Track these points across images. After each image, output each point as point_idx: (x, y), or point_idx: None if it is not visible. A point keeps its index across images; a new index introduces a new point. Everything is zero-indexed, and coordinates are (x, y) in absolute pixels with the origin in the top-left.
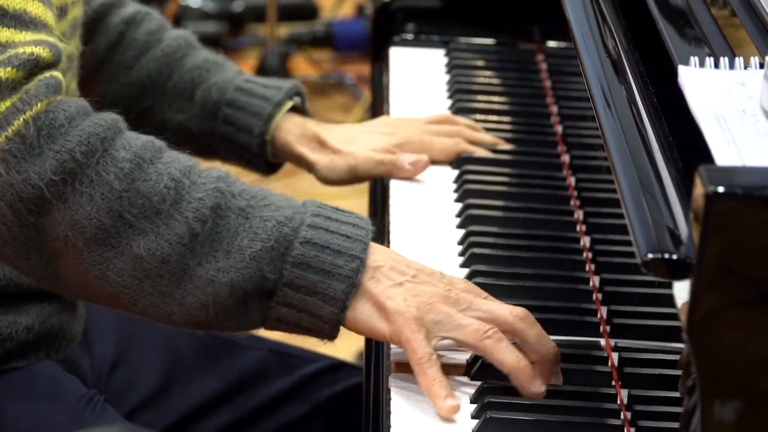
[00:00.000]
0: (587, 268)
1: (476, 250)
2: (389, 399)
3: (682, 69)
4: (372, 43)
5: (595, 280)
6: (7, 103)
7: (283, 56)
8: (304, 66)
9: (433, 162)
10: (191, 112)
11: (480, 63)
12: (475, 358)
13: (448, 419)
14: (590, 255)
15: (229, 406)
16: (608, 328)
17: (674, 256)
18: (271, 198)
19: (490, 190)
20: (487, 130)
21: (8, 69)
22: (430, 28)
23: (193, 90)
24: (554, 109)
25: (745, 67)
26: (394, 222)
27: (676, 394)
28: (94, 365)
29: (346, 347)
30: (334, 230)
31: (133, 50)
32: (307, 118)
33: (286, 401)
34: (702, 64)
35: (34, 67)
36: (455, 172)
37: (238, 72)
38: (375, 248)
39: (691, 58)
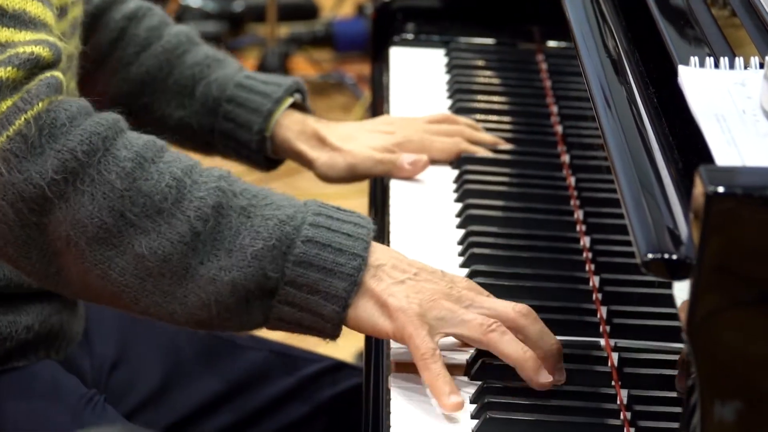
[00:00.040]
0: (587, 268)
1: (476, 250)
2: (389, 399)
3: (682, 69)
4: (372, 43)
5: (595, 280)
6: (8, 102)
7: (283, 56)
8: (305, 66)
9: (433, 162)
10: (191, 109)
11: (480, 63)
12: (474, 358)
13: (448, 418)
14: (590, 255)
15: (229, 406)
16: (608, 328)
17: (674, 256)
18: (272, 197)
19: (490, 190)
20: (488, 130)
21: (9, 68)
22: (430, 28)
23: (194, 86)
24: (554, 109)
25: (745, 67)
26: (394, 222)
27: (676, 394)
28: (95, 365)
29: (347, 347)
30: (336, 229)
31: (134, 46)
32: (308, 114)
33: (286, 402)
34: (702, 64)
35: (34, 66)
36: (455, 172)
37: (238, 68)
38: (377, 247)
39: (691, 58)
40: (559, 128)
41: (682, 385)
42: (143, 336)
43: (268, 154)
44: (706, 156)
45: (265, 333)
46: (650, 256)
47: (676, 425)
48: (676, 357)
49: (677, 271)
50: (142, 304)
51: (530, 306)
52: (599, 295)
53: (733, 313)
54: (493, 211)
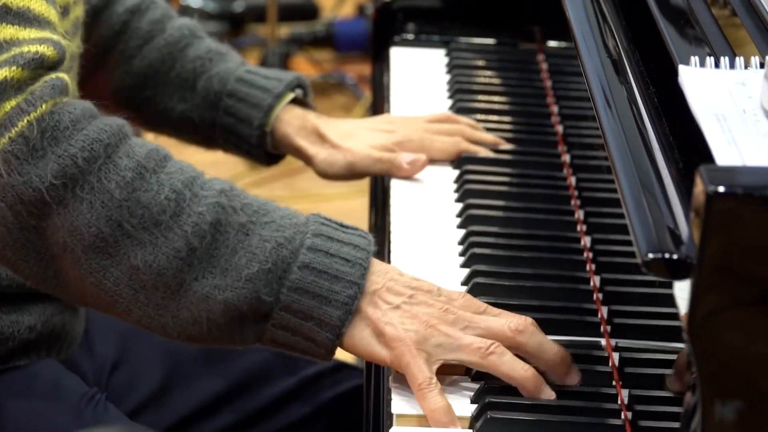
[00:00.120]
0: (588, 267)
1: (477, 250)
2: (389, 400)
3: (682, 69)
4: (373, 43)
5: (595, 280)
6: (12, 103)
7: (283, 56)
8: (305, 66)
9: (434, 161)
10: (193, 102)
11: (481, 63)
12: None
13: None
14: (591, 255)
15: (230, 407)
16: (609, 328)
17: (675, 256)
18: (273, 214)
19: (490, 190)
20: (488, 130)
21: (13, 68)
22: (431, 28)
23: (195, 80)
24: (555, 108)
25: (746, 67)
26: (394, 222)
27: (672, 393)
28: (95, 365)
29: None
30: (334, 253)
31: (137, 39)
32: (309, 110)
33: (287, 402)
34: (702, 64)
35: (39, 66)
36: (456, 172)
37: (240, 62)
38: (373, 269)
39: (692, 57)
40: (560, 128)
41: (672, 385)
42: (144, 336)
43: (268, 149)
44: (706, 156)
45: None
46: (651, 255)
47: (676, 425)
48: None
49: (678, 270)
50: (135, 315)
51: (531, 306)
52: (600, 295)
53: (733, 313)
54: (494, 211)
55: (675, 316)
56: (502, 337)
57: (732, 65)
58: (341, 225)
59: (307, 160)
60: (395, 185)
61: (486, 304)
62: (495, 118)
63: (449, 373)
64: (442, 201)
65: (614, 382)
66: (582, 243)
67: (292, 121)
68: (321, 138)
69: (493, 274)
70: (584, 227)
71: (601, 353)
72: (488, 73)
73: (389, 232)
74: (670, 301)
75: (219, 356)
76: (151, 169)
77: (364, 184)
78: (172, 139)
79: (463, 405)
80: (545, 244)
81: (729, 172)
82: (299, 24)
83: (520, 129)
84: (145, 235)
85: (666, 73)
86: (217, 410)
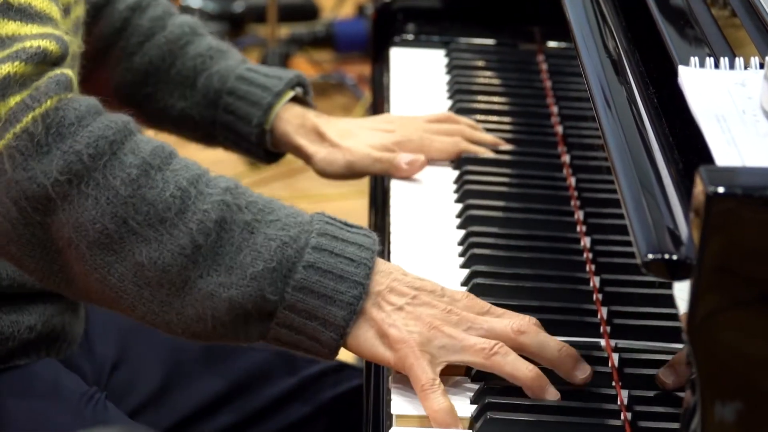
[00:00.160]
0: (587, 268)
1: (476, 251)
2: (389, 400)
3: (682, 69)
4: (372, 44)
5: (595, 281)
6: (17, 98)
7: (283, 57)
8: (305, 66)
9: (433, 161)
10: (193, 100)
11: (480, 63)
12: None
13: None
14: (590, 255)
15: (230, 407)
16: (608, 328)
17: (674, 257)
18: (279, 212)
19: (490, 191)
20: (488, 130)
21: (16, 63)
22: (431, 29)
23: (196, 77)
24: (555, 109)
25: (745, 68)
26: (394, 222)
27: (676, 394)
28: (95, 365)
29: None
30: (339, 252)
31: (137, 36)
32: (309, 109)
33: (288, 402)
34: (702, 65)
35: (42, 61)
36: (456, 173)
37: (241, 60)
38: (377, 269)
39: (691, 58)
40: (560, 128)
41: (666, 378)
42: (144, 336)
43: (267, 147)
44: (706, 156)
45: None
46: (650, 256)
47: (676, 425)
48: None
49: (677, 271)
50: (139, 311)
51: (530, 306)
52: (600, 296)
53: (733, 313)
54: (494, 211)
55: (675, 317)
56: (505, 338)
57: (732, 66)
58: (346, 224)
59: (306, 158)
60: (395, 185)
61: (489, 304)
62: (495, 118)
63: (450, 373)
64: (441, 201)
65: (614, 383)
66: (582, 243)
67: (291, 120)
68: (320, 137)
69: (493, 275)
70: (584, 228)
71: (600, 354)
72: (488, 73)
73: (389, 233)
74: (670, 301)
75: (219, 356)
76: (156, 166)
77: (364, 184)
78: (173, 136)
79: (462, 405)
80: (545, 245)
81: (729, 172)
82: (299, 24)
83: (520, 129)
84: (150, 232)
85: (666, 73)
86: (217, 410)
